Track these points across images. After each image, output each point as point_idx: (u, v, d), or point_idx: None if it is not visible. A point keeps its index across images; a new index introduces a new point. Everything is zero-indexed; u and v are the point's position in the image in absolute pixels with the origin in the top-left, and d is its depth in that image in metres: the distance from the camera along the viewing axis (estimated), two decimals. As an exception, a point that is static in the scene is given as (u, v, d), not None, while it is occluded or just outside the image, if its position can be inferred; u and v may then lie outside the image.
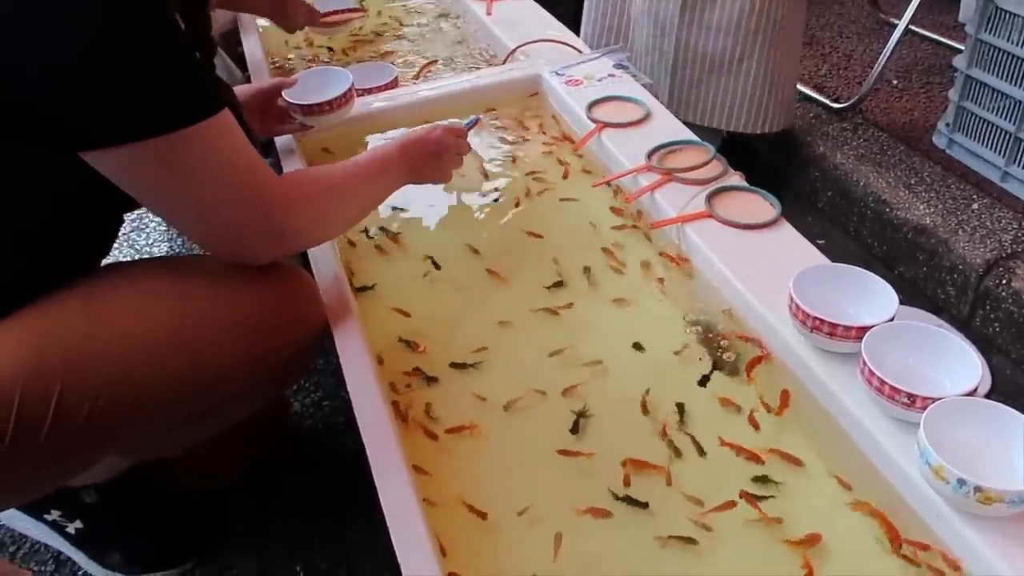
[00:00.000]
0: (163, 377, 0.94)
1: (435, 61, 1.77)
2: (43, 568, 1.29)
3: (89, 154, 0.80)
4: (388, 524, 0.81)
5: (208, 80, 0.85)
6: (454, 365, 1.08)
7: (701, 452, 0.94)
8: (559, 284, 1.19)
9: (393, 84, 1.60)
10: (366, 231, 1.31)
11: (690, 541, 0.85)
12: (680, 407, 0.99)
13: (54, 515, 1.18)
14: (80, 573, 1.26)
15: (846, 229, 1.89)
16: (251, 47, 1.73)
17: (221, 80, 1.08)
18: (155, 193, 0.85)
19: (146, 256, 1.90)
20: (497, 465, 0.96)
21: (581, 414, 0.99)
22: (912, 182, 1.78)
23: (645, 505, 0.88)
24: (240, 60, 1.80)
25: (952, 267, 1.61)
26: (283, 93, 1.31)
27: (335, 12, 1.76)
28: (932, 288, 1.66)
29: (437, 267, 1.24)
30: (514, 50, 1.69)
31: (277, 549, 1.28)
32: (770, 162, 2.06)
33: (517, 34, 1.75)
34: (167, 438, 1.09)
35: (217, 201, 0.86)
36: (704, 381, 1.03)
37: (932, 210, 1.69)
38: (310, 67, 1.70)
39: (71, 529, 1.20)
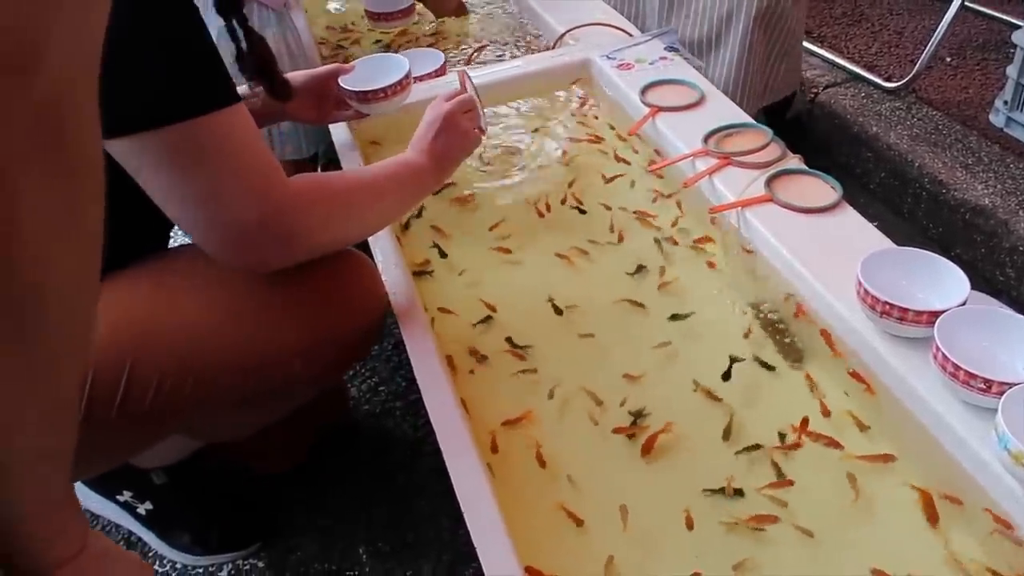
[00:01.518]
0: (227, 358, 0.96)
1: (485, 46, 1.77)
2: (115, 549, 1.33)
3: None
4: (465, 518, 0.81)
5: (222, 72, 0.83)
6: (513, 346, 1.09)
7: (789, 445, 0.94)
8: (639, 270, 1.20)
9: (442, 71, 1.60)
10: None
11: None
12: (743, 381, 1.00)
13: (126, 496, 1.22)
14: (150, 553, 1.30)
15: (900, 211, 1.86)
16: (300, 28, 1.74)
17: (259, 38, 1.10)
18: (164, 185, 0.82)
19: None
20: (560, 453, 0.97)
21: (639, 414, 1.00)
22: (969, 162, 1.75)
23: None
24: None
25: (1012, 248, 1.58)
26: (339, 80, 1.31)
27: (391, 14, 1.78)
28: (991, 270, 1.64)
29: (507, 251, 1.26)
30: (563, 34, 1.68)
31: (340, 532, 1.31)
32: (822, 143, 2.03)
33: (566, 17, 1.74)
34: (232, 421, 1.11)
35: (225, 197, 0.83)
36: (768, 367, 1.03)
37: (990, 190, 1.66)
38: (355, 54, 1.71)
39: (142, 510, 1.23)
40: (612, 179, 1.37)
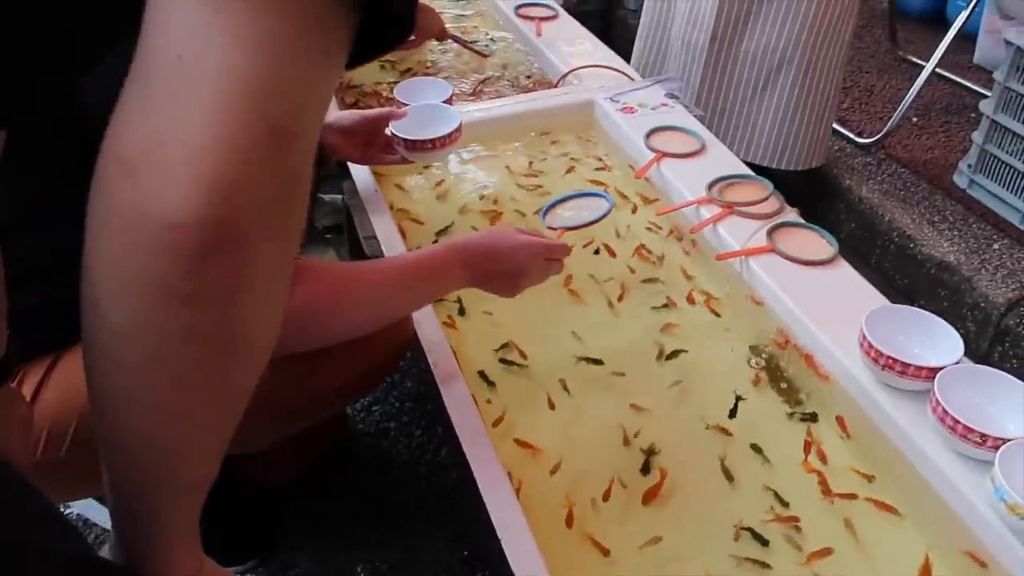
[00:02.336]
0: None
1: (489, 78, 1.82)
2: (108, 559, 1.32)
3: None
4: (502, 541, 0.85)
5: None
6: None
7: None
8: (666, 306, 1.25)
9: (449, 102, 1.65)
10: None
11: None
12: (756, 448, 1.06)
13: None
14: (147, 565, 1.30)
15: (868, 261, 1.97)
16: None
17: None
18: None
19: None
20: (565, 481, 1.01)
21: (651, 452, 1.05)
22: (935, 219, 1.87)
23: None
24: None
25: (974, 304, 1.70)
26: (391, 124, 1.32)
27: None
28: (953, 323, 1.74)
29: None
30: (567, 73, 1.74)
31: (338, 549, 1.33)
32: (795, 194, 2.13)
33: (566, 56, 1.81)
34: (256, 433, 1.12)
35: None
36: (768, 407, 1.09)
37: (955, 248, 1.78)
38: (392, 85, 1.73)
39: (142, 522, 1.23)
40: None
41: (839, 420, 1.07)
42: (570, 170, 1.55)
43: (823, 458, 1.03)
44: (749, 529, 0.95)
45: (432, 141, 1.32)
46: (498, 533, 0.86)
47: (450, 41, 1.92)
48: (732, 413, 1.09)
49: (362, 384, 1.19)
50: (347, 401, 1.22)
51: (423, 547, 1.32)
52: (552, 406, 1.10)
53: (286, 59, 0.39)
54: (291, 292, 0.84)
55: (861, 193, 1.99)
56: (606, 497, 0.99)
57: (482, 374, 1.14)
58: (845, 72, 1.92)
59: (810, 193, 2.11)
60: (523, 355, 1.18)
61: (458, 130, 1.35)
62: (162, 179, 0.39)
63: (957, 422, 0.91)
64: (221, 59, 0.38)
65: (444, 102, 1.63)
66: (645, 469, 1.03)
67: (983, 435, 0.90)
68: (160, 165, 0.39)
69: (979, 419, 0.92)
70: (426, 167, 1.55)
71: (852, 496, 0.99)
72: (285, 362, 0.97)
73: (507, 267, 1.03)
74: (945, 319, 1.74)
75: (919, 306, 1.80)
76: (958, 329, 1.72)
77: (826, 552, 0.93)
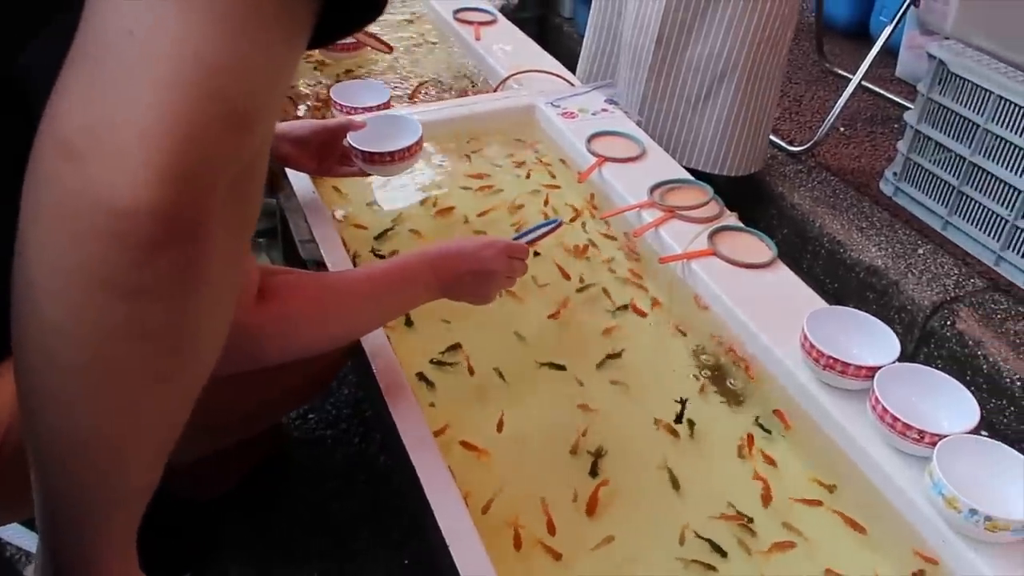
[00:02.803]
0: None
1: (427, 82, 1.81)
2: (30, 579, 1.25)
3: None
4: (450, 549, 0.83)
5: None
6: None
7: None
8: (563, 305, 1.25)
9: (386, 105, 1.62)
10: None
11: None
12: (690, 422, 1.07)
13: (49, 524, 1.16)
14: (71, 584, 1.24)
15: (800, 266, 2.01)
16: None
17: None
18: None
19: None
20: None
21: (598, 454, 1.05)
22: (863, 225, 1.92)
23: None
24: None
25: (901, 307, 1.75)
26: (349, 136, 1.28)
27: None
28: (882, 325, 1.80)
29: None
30: (507, 78, 1.74)
31: (274, 562, 1.29)
32: (731, 199, 2.17)
33: (505, 61, 1.80)
34: (183, 447, 1.08)
35: None
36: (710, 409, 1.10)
37: (882, 253, 1.83)
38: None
39: (66, 539, 1.17)
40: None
41: (778, 413, 1.08)
42: (521, 168, 1.54)
43: (770, 462, 1.04)
44: (698, 532, 0.95)
45: (391, 154, 1.28)
46: (446, 539, 0.85)
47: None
48: (678, 418, 1.09)
49: (300, 396, 1.16)
50: (284, 412, 1.18)
51: (363, 556, 1.29)
52: (496, 409, 1.09)
53: (245, 36, 0.37)
54: (270, 302, 0.83)
55: (793, 200, 2.04)
56: (547, 512, 0.98)
57: (422, 376, 1.12)
58: (783, 78, 1.96)
59: (745, 199, 2.15)
60: (467, 359, 1.16)
61: (419, 143, 1.32)
62: (111, 163, 0.36)
63: (896, 419, 0.93)
64: (176, 35, 0.36)
65: (381, 105, 1.61)
66: (593, 472, 1.02)
67: (921, 432, 0.92)
68: (108, 148, 0.36)
69: (916, 416, 0.94)
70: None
71: (803, 500, 1.00)
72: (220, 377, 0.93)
73: (473, 264, 1.03)
74: (874, 322, 1.81)
75: (849, 309, 1.86)
76: (886, 331, 1.79)
77: (775, 550, 0.93)
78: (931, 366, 1.67)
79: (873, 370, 0.99)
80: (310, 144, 1.26)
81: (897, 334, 1.75)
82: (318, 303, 0.90)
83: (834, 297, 1.92)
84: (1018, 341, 1.59)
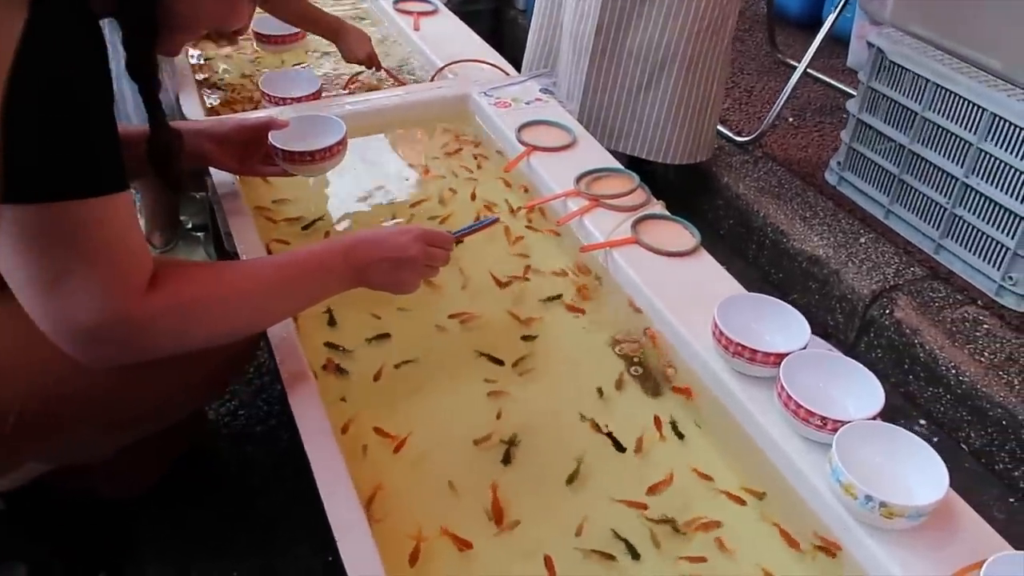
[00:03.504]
0: (92, 391, 0.93)
1: (361, 72, 1.78)
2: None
3: None
4: (338, 545, 0.82)
5: (109, 156, 0.77)
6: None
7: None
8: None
9: (317, 95, 1.60)
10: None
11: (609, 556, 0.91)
12: (614, 439, 1.05)
13: (-43, 525, 1.13)
14: (-19, 586, 1.21)
15: (746, 256, 2.01)
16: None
17: (164, 126, 1.04)
18: (10, 262, 0.75)
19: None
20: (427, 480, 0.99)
21: (511, 442, 1.03)
22: (807, 215, 1.92)
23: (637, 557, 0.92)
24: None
25: (841, 296, 1.75)
26: (270, 135, 1.25)
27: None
28: (823, 315, 1.80)
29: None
30: (442, 68, 1.72)
31: (195, 559, 1.26)
32: (678, 189, 2.16)
33: (444, 51, 1.78)
34: (90, 445, 1.06)
35: (65, 291, 0.76)
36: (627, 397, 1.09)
37: (824, 242, 1.83)
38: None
39: (-26, 540, 1.15)
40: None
41: (685, 390, 1.07)
42: (453, 158, 1.52)
43: (681, 450, 1.03)
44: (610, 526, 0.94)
45: (312, 154, 1.25)
46: (335, 535, 0.83)
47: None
48: (598, 395, 1.08)
49: (207, 387, 1.14)
50: (198, 405, 1.16)
51: (285, 554, 1.27)
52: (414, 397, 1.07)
53: None
54: (162, 292, 0.81)
55: (738, 190, 2.03)
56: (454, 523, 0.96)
57: (338, 367, 1.10)
58: (728, 71, 1.94)
59: (691, 189, 2.15)
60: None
61: (341, 143, 1.29)
62: None
63: (800, 406, 0.92)
64: None
65: (312, 95, 1.58)
66: (506, 460, 1.01)
67: (823, 418, 0.91)
68: None
69: (823, 403, 0.93)
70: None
71: (707, 478, 0.99)
72: (126, 368, 0.91)
73: (387, 251, 1.01)
74: (815, 311, 1.81)
75: (791, 299, 1.86)
76: (827, 321, 1.78)
77: (685, 532, 0.92)
78: (871, 355, 1.70)
79: (781, 356, 0.98)
80: (231, 142, 1.23)
81: (839, 324, 1.77)
82: (215, 293, 0.88)
83: (778, 288, 1.91)
84: (954, 329, 1.59)
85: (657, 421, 1.05)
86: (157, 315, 0.82)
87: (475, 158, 1.55)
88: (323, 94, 1.62)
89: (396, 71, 1.80)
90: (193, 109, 1.53)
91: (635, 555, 0.90)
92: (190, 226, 1.90)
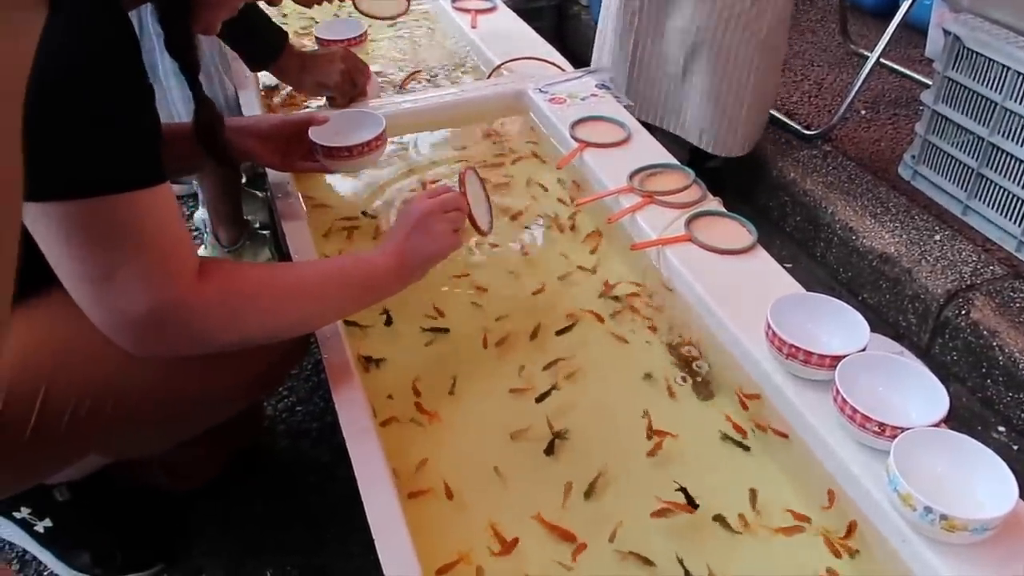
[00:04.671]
0: (146, 385, 0.95)
1: (420, 71, 1.78)
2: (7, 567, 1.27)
3: None
4: (375, 540, 0.81)
5: (150, 150, 0.78)
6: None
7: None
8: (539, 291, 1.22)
9: (363, 38, 1.71)
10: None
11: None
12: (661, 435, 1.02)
13: (23, 512, 1.17)
14: (46, 573, 1.25)
15: (813, 254, 1.94)
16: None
17: (206, 103, 1.07)
18: (62, 257, 0.77)
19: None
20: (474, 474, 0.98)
21: (558, 435, 1.01)
22: (878, 211, 1.84)
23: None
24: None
25: (914, 296, 1.67)
26: (310, 131, 1.26)
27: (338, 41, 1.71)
28: (894, 316, 1.72)
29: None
30: (499, 66, 1.71)
31: (248, 554, 1.29)
32: (742, 184, 2.11)
33: (502, 49, 1.77)
34: (147, 439, 1.08)
35: (118, 282, 0.77)
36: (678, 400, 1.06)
37: (896, 240, 1.75)
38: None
39: (40, 528, 1.19)
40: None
41: (738, 395, 1.04)
42: (505, 164, 1.51)
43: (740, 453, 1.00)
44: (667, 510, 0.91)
45: (350, 149, 1.25)
46: (373, 535, 0.83)
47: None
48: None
49: (263, 382, 1.15)
50: (251, 400, 1.18)
51: (335, 552, 1.28)
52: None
53: None
54: (213, 282, 0.83)
55: (806, 186, 1.96)
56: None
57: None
58: (771, 63, 1.88)
59: (756, 185, 2.09)
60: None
61: (380, 137, 1.29)
62: None
63: (856, 411, 0.87)
64: None
65: (358, 38, 1.64)
66: (549, 451, 1.00)
67: (881, 424, 0.86)
68: None
69: (883, 408, 0.88)
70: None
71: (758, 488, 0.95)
72: (178, 362, 0.93)
73: (407, 223, 1.04)
74: (886, 312, 1.73)
75: (861, 299, 1.79)
76: (900, 322, 1.71)
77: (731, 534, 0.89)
78: (945, 358, 1.62)
79: (838, 359, 0.93)
80: (273, 139, 1.25)
81: (911, 325, 1.69)
82: (263, 289, 0.90)
83: (847, 287, 1.84)
84: (1036, 331, 1.50)
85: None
86: (208, 303, 0.84)
87: (533, 155, 1.53)
88: (381, 93, 1.63)
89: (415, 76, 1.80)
90: (251, 105, 1.56)
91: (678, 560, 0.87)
92: (257, 225, 1.94)
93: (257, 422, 1.45)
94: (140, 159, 0.78)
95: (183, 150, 1.10)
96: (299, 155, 1.28)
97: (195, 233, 1.98)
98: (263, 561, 1.27)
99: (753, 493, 0.95)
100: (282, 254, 1.78)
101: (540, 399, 1.06)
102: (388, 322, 1.18)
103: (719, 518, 0.92)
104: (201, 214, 1.87)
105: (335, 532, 1.30)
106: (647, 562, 0.88)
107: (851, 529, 0.89)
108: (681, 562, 0.88)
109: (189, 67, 0.99)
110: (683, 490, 0.93)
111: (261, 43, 1.47)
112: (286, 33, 1.48)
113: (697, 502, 0.92)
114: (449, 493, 0.95)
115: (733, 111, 1.87)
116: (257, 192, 1.98)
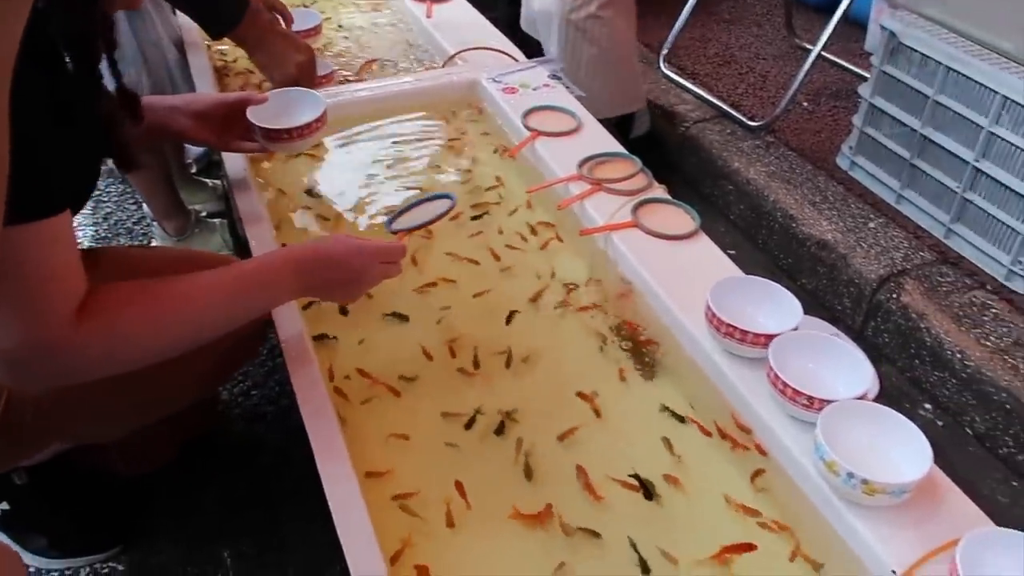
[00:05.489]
0: (139, 352, 0.94)
1: (375, 60, 1.81)
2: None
3: None
4: (335, 523, 0.85)
5: (43, 181, 0.74)
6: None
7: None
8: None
9: (330, 78, 1.64)
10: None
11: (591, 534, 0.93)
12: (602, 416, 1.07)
13: (-20, 497, 1.18)
14: (2, 556, 1.26)
15: (755, 241, 2.01)
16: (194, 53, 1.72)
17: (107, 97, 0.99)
18: None
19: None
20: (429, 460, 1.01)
21: (508, 416, 1.06)
22: (817, 200, 1.92)
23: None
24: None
25: (849, 281, 1.75)
26: (248, 111, 1.24)
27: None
28: (831, 300, 1.80)
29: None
30: (453, 55, 1.74)
31: (205, 535, 1.31)
32: (688, 173, 2.17)
33: (456, 38, 1.80)
34: (107, 428, 1.10)
35: None
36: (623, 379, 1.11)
37: (834, 227, 1.83)
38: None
39: (-4, 511, 1.20)
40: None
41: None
42: (457, 152, 1.55)
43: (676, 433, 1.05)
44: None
45: (289, 131, 1.24)
46: (332, 512, 0.86)
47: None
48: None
49: (217, 372, 1.18)
50: (209, 387, 1.20)
51: (293, 531, 1.31)
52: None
53: None
54: (94, 318, 0.79)
55: (749, 175, 2.03)
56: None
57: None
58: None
59: (701, 175, 2.15)
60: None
61: (320, 119, 1.27)
62: None
63: (787, 386, 0.93)
64: None
65: (313, 29, 1.69)
66: (499, 431, 1.04)
67: (810, 398, 0.92)
68: None
69: (812, 383, 0.94)
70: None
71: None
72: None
73: (342, 274, 1.00)
74: (823, 296, 1.81)
75: (800, 284, 1.86)
76: (835, 305, 1.79)
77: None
78: (878, 339, 1.70)
79: (771, 337, 0.99)
80: (209, 118, 1.24)
81: (846, 309, 1.77)
82: (147, 315, 0.86)
83: (787, 272, 1.92)
84: (961, 314, 1.59)
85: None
86: (82, 344, 0.80)
87: (482, 140, 1.57)
88: (334, 79, 1.65)
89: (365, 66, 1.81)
90: (204, 81, 1.57)
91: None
92: (204, 214, 1.95)
93: (211, 407, 1.47)
94: (23, 191, 0.70)
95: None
96: (236, 135, 1.27)
97: (145, 224, 1.99)
98: (220, 543, 1.30)
99: (678, 459, 1.01)
100: (238, 241, 1.80)
101: (489, 384, 1.10)
102: (343, 311, 1.21)
103: (649, 485, 0.97)
104: None
105: (292, 513, 1.33)
106: (594, 535, 0.93)
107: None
108: (631, 543, 0.93)
109: (89, 55, 0.91)
110: (636, 476, 0.98)
111: (212, 10, 1.42)
112: (247, 1, 1.42)
113: (651, 488, 0.97)
114: (405, 472, 0.99)
115: (626, 65, 2.07)
116: (207, 181, 1.98)
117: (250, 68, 1.68)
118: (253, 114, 1.24)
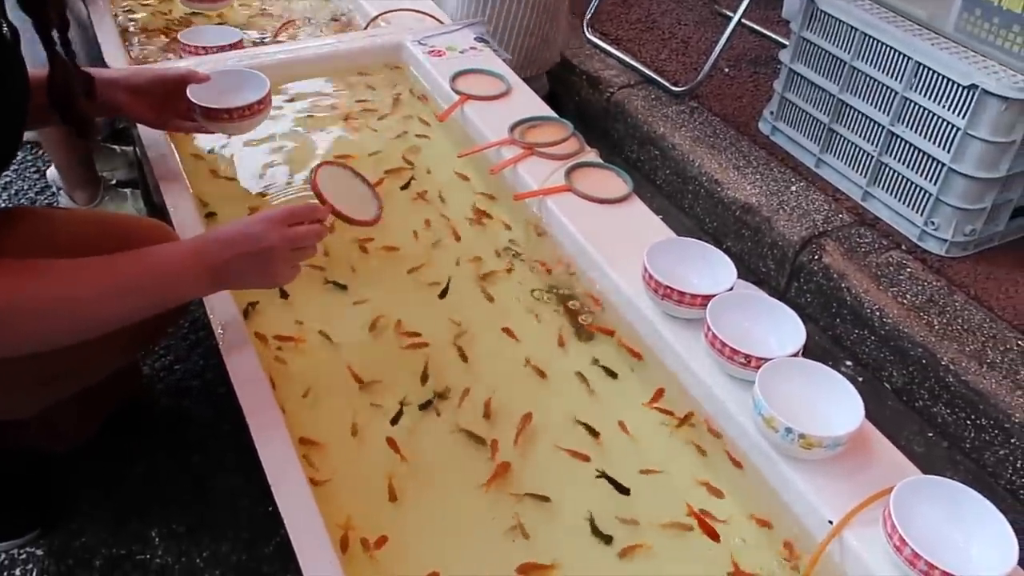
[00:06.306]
0: (16, 339, 0.90)
1: (292, 21, 1.74)
2: None
3: None
4: (274, 491, 0.82)
5: None
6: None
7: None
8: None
9: (238, 45, 1.56)
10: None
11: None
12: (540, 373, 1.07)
13: None
14: (-89, 547, 1.19)
15: (682, 205, 2.04)
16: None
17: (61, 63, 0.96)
18: None
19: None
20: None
21: (440, 395, 1.04)
22: (740, 164, 1.95)
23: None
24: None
25: (773, 243, 1.79)
26: (189, 90, 1.19)
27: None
28: (755, 262, 1.84)
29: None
30: (376, 17, 1.69)
31: (131, 514, 1.26)
32: (614, 140, 2.18)
33: (378, 0, 1.75)
34: (21, 401, 1.04)
35: None
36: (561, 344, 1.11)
37: (757, 191, 1.86)
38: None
39: (-96, 499, 1.12)
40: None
41: (625, 346, 1.10)
42: (383, 117, 1.51)
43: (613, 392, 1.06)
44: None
45: (230, 111, 1.20)
46: (271, 485, 0.83)
47: None
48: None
49: (133, 344, 1.13)
50: (120, 362, 1.14)
51: (223, 506, 1.27)
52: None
53: None
54: None
55: (674, 140, 2.05)
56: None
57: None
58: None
59: (628, 140, 2.16)
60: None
61: (263, 101, 1.23)
62: None
63: (725, 345, 0.95)
64: None
65: (231, 45, 1.54)
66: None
67: (747, 356, 0.94)
68: None
69: (749, 342, 0.96)
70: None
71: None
72: None
73: (243, 246, 0.91)
74: (748, 258, 1.85)
75: (725, 247, 1.90)
76: (760, 267, 1.83)
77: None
78: (800, 300, 1.75)
79: (708, 298, 1.00)
80: (148, 94, 1.18)
81: (770, 270, 1.81)
82: (34, 302, 0.81)
83: (712, 236, 1.95)
84: (879, 273, 1.65)
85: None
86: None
87: (410, 102, 1.53)
88: (251, 43, 1.58)
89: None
90: (115, 57, 1.48)
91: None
92: (114, 182, 1.85)
93: (133, 381, 1.41)
94: None
95: (39, 99, 1.03)
96: (175, 112, 1.22)
97: (49, 193, 1.89)
98: (148, 520, 1.25)
99: (621, 425, 1.01)
100: (153, 208, 1.72)
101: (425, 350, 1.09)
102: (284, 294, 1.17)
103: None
104: (53, 173, 1.77)
105: (222, 486, 1.29)
106: (544, 499, 0.93)
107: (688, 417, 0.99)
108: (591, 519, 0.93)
109: (42, 24, 0.90)
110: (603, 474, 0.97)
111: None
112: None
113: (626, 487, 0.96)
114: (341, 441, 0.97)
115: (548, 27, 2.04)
116: (116, 148, 1.89)
117: (160, 28, 1.61)
118: (194, 93, 1.19)
